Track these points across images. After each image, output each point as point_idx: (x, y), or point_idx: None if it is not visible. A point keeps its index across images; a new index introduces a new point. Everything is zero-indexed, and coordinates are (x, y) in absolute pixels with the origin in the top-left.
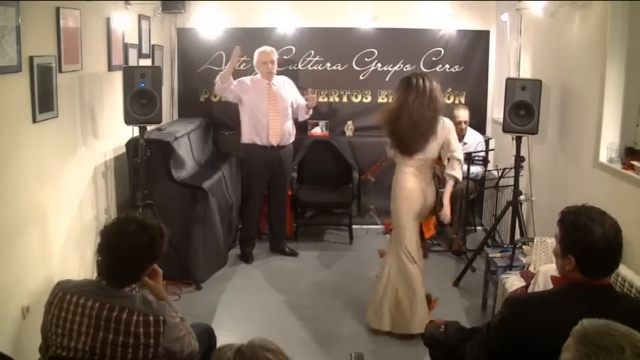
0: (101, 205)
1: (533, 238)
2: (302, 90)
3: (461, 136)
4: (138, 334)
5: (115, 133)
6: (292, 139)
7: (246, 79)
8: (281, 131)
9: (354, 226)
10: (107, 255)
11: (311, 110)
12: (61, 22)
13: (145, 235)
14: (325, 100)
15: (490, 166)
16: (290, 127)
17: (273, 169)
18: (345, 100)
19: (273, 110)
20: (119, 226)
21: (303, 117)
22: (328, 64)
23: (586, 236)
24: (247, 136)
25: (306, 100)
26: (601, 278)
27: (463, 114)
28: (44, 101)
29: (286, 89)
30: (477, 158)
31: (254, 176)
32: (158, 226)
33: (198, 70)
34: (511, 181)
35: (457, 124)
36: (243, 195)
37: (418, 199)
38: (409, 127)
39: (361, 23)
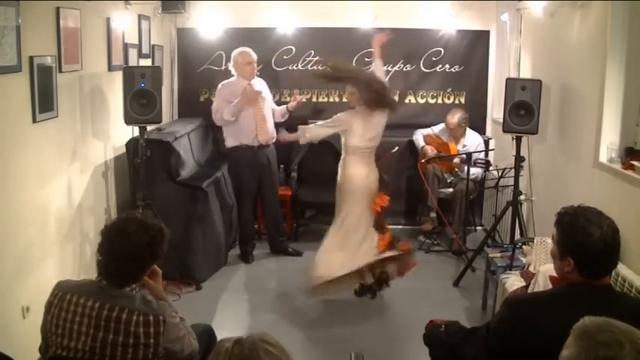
0: (101, 205)
1: (533, 238)
2: (303, 90)
3: (457, 138)
4: (138, 334)
5: (115, 133)
6: (274, 139)
7: (227, 90)
8: (268, 130)
9: None
10: (107, 255)
11: (287, 115)
12: (61, 22)
13: (145, 235)
14: (326, 100)
15: (491, 167)
16: (273, 126)
17: (262, 169)
18: (344, 100)
19: (259, 110)
20: (119, 226)
21: (278, 120)
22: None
23: (584, 239)
24: (233, 139)
25: (289, 103)
26: (600, 279)
27: (450, 121)
28: (44, 101)
29: (265, 88)
30: (479, 161)
31: (244, 178)
32: (159, 227)
33: (198, 70)
34: (511, 181)
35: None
36: (235, 198)
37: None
38: None
39: (361, 23)
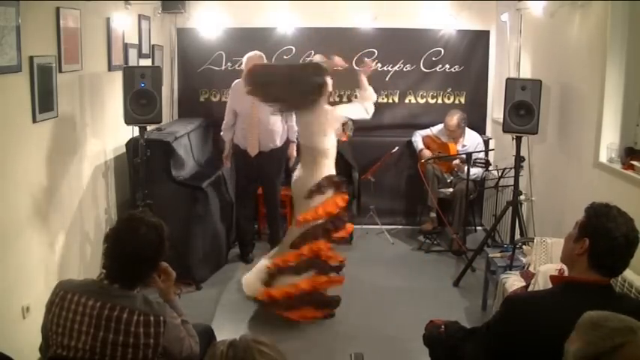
0: (101, 205)
1: (533, 238)
2: None
3: (456, 139)
4: (138, 334)
5: (115, 133)
6: (279, 144)
7: (234, 88)
8: (257, 143)
9: (354, 226)
10: (119, 259)
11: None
12: (61, 22)
13: (154, 234)
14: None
15: (490, 167)
16: (274, 134)
17: (259, 173)
18: (345, 100)
19: (256, 120)
20: (130, 230)
21: (292, 139)
22: None
23: (610, 225)
24: (235, 136)
25: None
26: (601, 276)
27: (450, 123)
28: (44, 101)
29: None
30: (478, 161)
31: (237, 177)
32: (161, 224)
33: (198, 70)
34: (511, 181)
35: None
36: (233, 196)
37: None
38: None
39: (361, 23)
